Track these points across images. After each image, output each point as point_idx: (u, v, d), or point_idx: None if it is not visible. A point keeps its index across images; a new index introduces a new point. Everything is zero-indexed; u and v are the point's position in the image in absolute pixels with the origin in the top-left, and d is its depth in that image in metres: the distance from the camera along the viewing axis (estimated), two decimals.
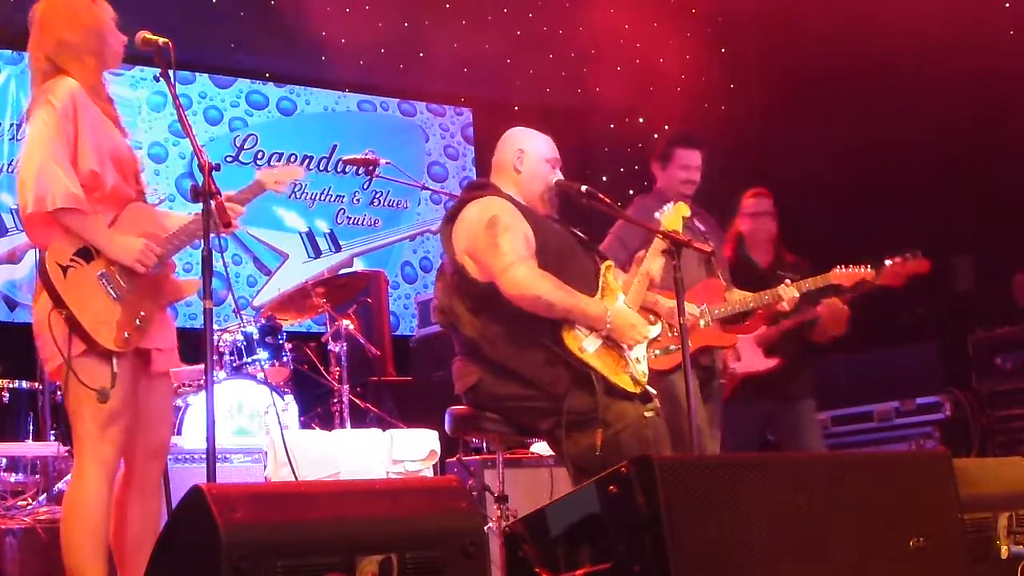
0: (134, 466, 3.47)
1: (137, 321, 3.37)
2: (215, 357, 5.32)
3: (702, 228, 4.90)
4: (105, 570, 3.32)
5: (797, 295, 4.82)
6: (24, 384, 5.50)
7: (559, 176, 4.09)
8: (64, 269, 3.31)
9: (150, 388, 3.51)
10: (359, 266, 8.53)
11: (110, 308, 3.34)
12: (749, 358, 5.24)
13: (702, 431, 4.90)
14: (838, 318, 5.22)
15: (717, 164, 5.45)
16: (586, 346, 3.78)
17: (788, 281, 4.84)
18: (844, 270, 5.03)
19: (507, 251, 3.80)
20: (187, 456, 4.83)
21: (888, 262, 5.09)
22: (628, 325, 3.83)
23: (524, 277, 3.77)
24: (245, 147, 8.37)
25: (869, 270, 5.04)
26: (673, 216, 4.13)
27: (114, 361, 3.32)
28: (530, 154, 4.08)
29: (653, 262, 4.03)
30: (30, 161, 3.32)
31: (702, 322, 4.61)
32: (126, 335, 3.34)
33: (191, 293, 3.63)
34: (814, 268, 5.44)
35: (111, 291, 3.36)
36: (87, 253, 3.35)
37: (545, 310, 3.77)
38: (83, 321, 3.29)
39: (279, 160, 8.31)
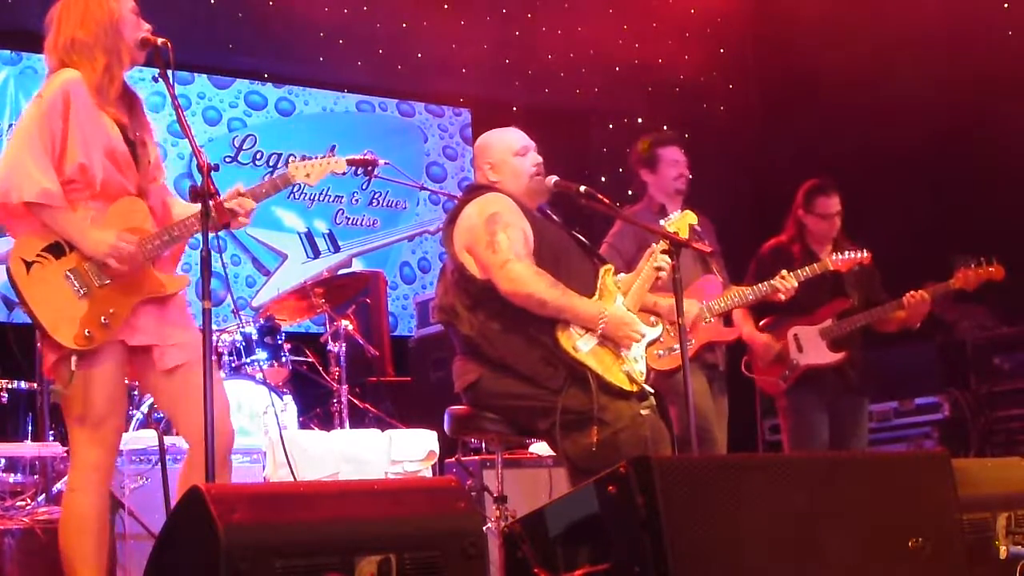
0: (194, 448, 3.39)
1: (103, 319, 3.27)
2: (214, 358, 5.31)
3: (698, 230, 4.90)
4: (104, 572, 3.32)
5: (795, 284, 4.81)
6: (23, 384, 5.49)
7: (537, 158, 4.07)
8: (28, 265, 3.25)
9: (170, 381, 3.41)
10: (358, 266, 8.52)
11: (73, 305, 3.26)
12: (814, 351, 5.18)
13: (712, 424, 4.91)
14: (920, 309, 5.20)
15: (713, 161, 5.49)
16: (580, 345, 3.78)
17: (785, 272, 4.83)
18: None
19: (504, 247, 3.80)
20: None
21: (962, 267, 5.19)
22: (622, 325, 3.82)
23: (519, 273, 3.77)
24: (244, 147, 8.35)
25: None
26: (680, 222, 4.14)
27: (73, 360, 3.24)
28: (496, 160, 4.07)
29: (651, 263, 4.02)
30: (6, 154, 3.30)
31: (703, 320, 4.62)
32: (87, 332, 3.24)
33: (176, 289, 3.46)
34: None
35: (77, 288, 3.28)
36: (58, 249, 3.28)
37: (538, 307, 3.77)
38: (42, 318, 3.23)
39: (278, 161, 8.30)
